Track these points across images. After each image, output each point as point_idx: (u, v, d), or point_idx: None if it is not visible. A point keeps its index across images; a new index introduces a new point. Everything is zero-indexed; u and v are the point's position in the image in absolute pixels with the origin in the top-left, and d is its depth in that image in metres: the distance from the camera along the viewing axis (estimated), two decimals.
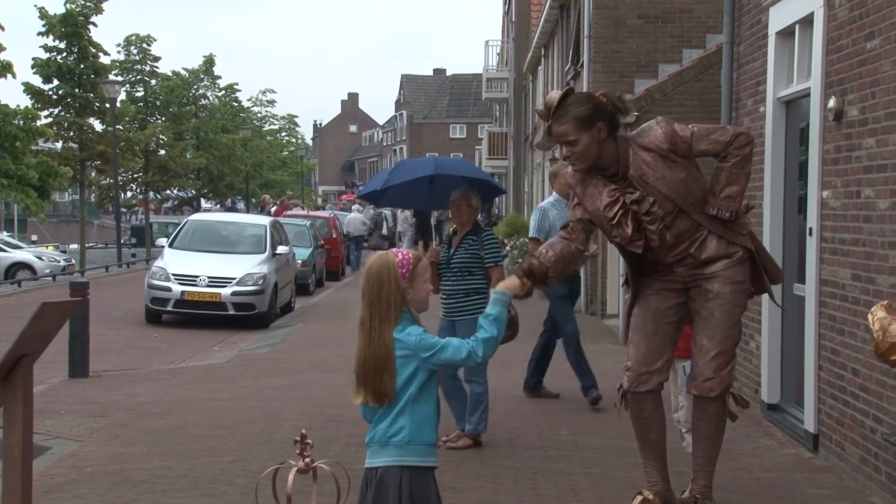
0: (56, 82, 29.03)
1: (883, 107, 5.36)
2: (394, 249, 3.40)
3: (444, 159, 8.54)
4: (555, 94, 4.43)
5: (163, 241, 19.48)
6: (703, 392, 4.50)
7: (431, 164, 7.55)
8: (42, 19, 28.80)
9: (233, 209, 39.72)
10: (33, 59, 28.81)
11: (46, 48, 29.07)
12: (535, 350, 8.47)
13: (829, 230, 6.17)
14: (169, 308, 15.54)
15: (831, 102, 6.02)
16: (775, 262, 4.79)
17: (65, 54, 29.09)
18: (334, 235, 26.56)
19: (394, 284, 3.26)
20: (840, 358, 5.93)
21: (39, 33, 28.97)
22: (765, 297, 4.92)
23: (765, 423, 7.23)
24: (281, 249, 17.11)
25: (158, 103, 40.38)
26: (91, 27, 29.43)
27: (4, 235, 35.37)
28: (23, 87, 28.32)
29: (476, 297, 6.60)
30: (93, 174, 32.02)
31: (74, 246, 34.62)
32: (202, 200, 46.81)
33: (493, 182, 8.01)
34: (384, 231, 31.50)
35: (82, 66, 29.11)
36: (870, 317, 3.43)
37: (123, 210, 39.25)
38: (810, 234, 6.45)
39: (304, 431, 3.23)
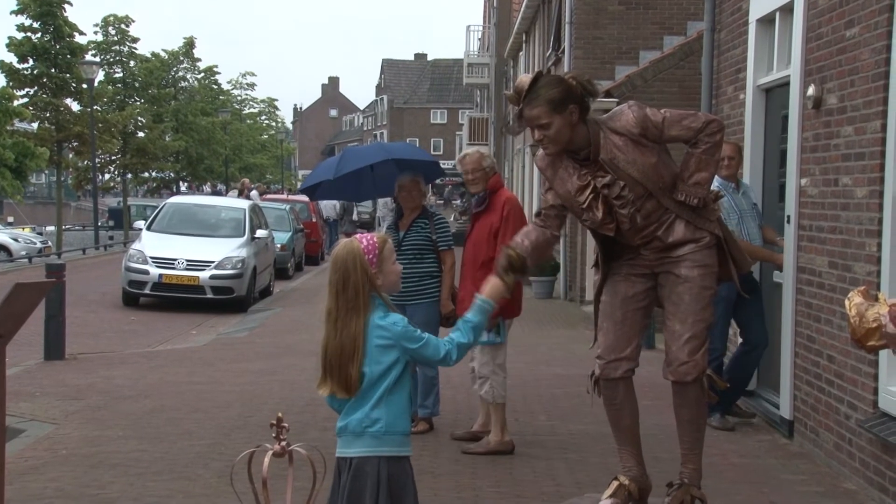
0: (31, 62, 28.74)
1: (861, 95, 5.38)
2: (358, 235, 3.34)
3: (391, 144, 8.47)
4: (525, 78, 4.40)
5: (141, 223, 19.33)
6: (680, 377, 4.51)
7: (383, 150, 7.56)
8: None
9: (217, 194, 39.44)
10: (8, 38, 28.52)
11: (21, 27, 28.77)
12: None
13: (806, 218, 6.20)
14: (146, 291, 15.45)
15: (810, 90, 6.04)
16: (742, 250, 4.80)
17: (40, 34, 28.80)
18: (314, 220, 26.47)
19: (360, 272, 3.20)
20: (816, 345, 5.96)
21: (13, 12, 28.66)
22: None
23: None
24: (260, 233, 17.05)
25: (137, 85, 40.10)
26: (66, 6, 29.15)
27: None
28: None
29: (430, 281, 6.60)
30: (70, 156, 31.76)
31: (51, 228, 34.40)
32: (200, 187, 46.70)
33: (434, 161, 7.93)
34: (354, 217, 31.19)
35: (58, 45, 28.84)
36: (847, 302, 3.43)
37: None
38: (788, 221, 6.48)
39: (280, 415, 3.20)
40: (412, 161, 7.40)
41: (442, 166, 8.42)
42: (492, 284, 3.69)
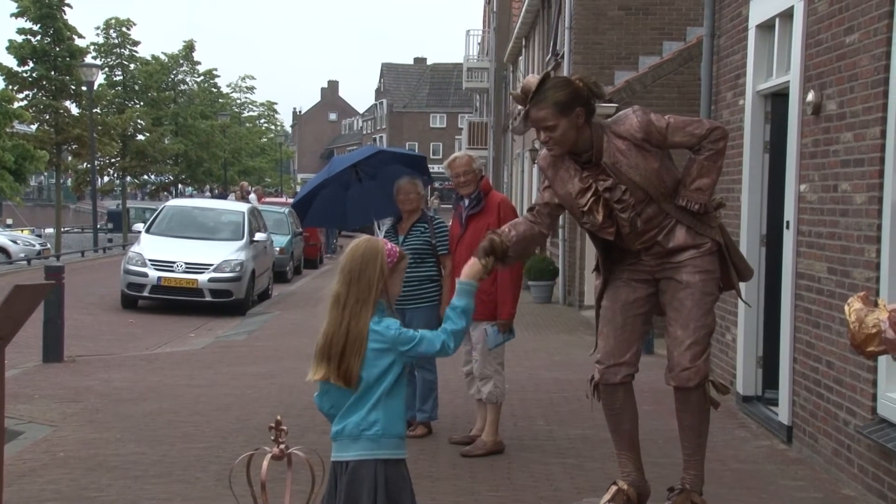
0: (31, 64, 28.76)
1: (861, 101, 5.39)
2: (380, 238, 3.38)
3: (377, 146, 8.60)
4: (532, 79, 4.39)
5: (140, 226, 19.33)
6: (682, 383, 4.50)
7: (369, 148, 7.66)
8: (15, 0, 28.53)
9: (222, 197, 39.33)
10: (8, 40, 28.56)
11: (21, 30, 28.79)
12: None
13: (805, 223, 6.21)
14: (145, 294, 15.45)
15: (810, 96, 6.04)
16: (745, 259, 4.79)
17: (39, 36, 28.82)
18: None
19: (378, 268, 3.23)
20: (815, 351, 5.97)
21: (13, 14, 28.69)
22: (741, 288, 4.92)
23: (739, 415, 7.28)
24: (259, 236, 17.05)
25: (137, 88, 40.09)
26: (66, 9, 29.18)
27: None
28: None
29: (430, 285, 6.58)
30: (69, 158, 31.74)
31: (50, 230, 34.36)
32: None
33: (422, 155, 8.01)
34: None
35: (57, 48, 28.86)
36: (846, 308, 3.42)
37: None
38: (787, 227, 6.48)
39: (279, 418, 3.20)
40: (397, 154, 7.52)
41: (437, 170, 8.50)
42: (470, 265, 3.69)
